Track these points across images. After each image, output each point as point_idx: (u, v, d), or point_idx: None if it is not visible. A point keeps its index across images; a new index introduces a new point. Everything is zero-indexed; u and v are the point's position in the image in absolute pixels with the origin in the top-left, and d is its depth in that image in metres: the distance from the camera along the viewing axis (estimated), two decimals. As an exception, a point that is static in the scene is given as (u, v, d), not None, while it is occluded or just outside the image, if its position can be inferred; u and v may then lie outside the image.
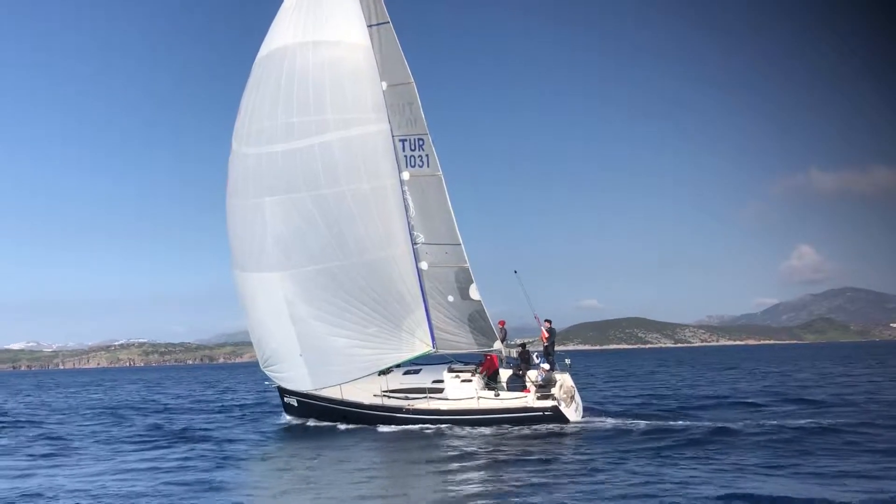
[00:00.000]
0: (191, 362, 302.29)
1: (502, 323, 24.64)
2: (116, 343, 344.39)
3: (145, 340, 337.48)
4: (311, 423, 24.87)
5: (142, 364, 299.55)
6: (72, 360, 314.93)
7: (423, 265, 22.96)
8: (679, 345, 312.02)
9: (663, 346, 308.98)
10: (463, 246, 23.10)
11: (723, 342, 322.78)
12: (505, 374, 23.99)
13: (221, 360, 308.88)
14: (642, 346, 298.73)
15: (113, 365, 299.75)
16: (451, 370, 23.51)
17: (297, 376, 23.48)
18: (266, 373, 24.91)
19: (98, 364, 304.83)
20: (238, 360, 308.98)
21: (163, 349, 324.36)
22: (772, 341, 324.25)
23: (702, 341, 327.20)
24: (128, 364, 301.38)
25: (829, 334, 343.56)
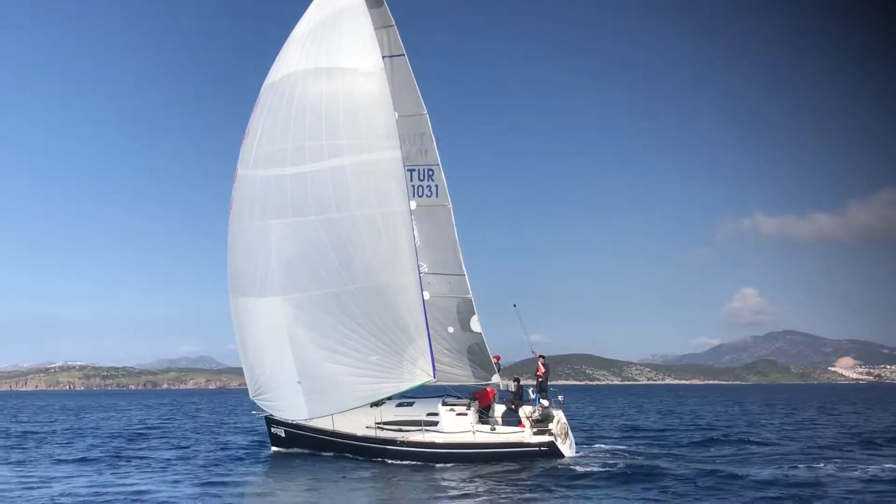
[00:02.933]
0: (133, 387, 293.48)
1: (497, 357, 24.65)
2: (55, 365, 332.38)
3: (84, 363, 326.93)
4: (301, 454, 24.42)
5: (82, 388, 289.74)
6: (8, 383, 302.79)
7: (426, 295, 22.91)
8: (626, 382, 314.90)
9: (610, 383, 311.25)
10: (467, 277, 23.17)
11: (668, 381, 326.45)
12: (498, 408, 23.96)
13: (165, 386, 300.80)
14: (590, 383, 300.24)
15: (52, 388, 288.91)
16: (445, 403, 23.37)
17: (292, 405, 23.02)
18: (256, 402, 24.42)
19: (36, 387, 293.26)
20: (182, 386, 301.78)
21: (105, 373, 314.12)
22: (716, 381, 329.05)
23: (648, 379, 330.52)
24: (68, 387, 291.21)
25: (772, 376, 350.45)
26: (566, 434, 23.36)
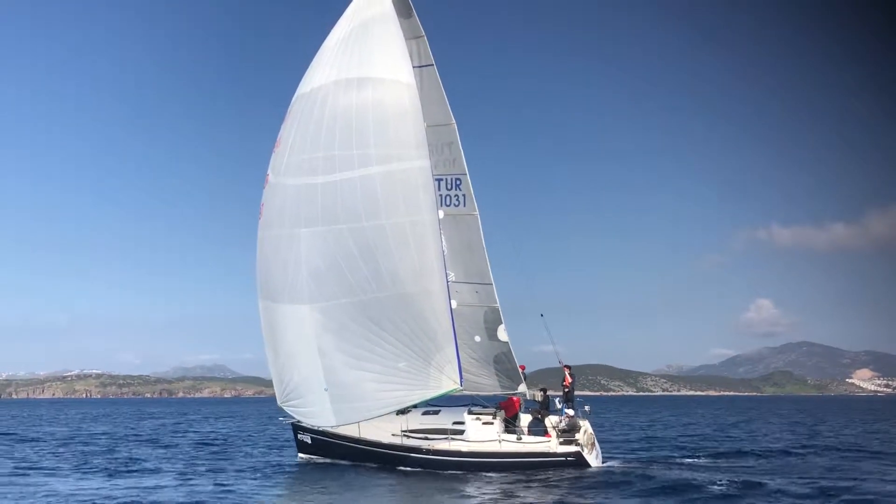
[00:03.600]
0: (149, 395, 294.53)
1: (522, 367, 24.66)
2: (71, 373, 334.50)
3: (100, 371, 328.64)
4: (327, 461, 24.54)
5: (98, 396, 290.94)
6: (25, 390, 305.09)
7: (453, 303, 22.95)
8: (641, 393, 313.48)
9: (625, 393, 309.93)
10: (494, 286, 23.23)
11: (684, 392, 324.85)
12: (524, 417, 23.96)
13: (181, 395, 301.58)
14: (604, 394, 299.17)
15: (69, 395, 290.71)
16: (471, 412, 23.39)
17: (320, 412, 23.11)
18: (284, 409, 24.52)
19: (53, 394, 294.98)
20: (198, 394, 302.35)
21: (121, 381, 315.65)
22: (732, 393, 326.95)
23: (663, 391, 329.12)
24: (84, 395, 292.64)
25: (788, 388, 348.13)
26: (592, 444, 23.31)
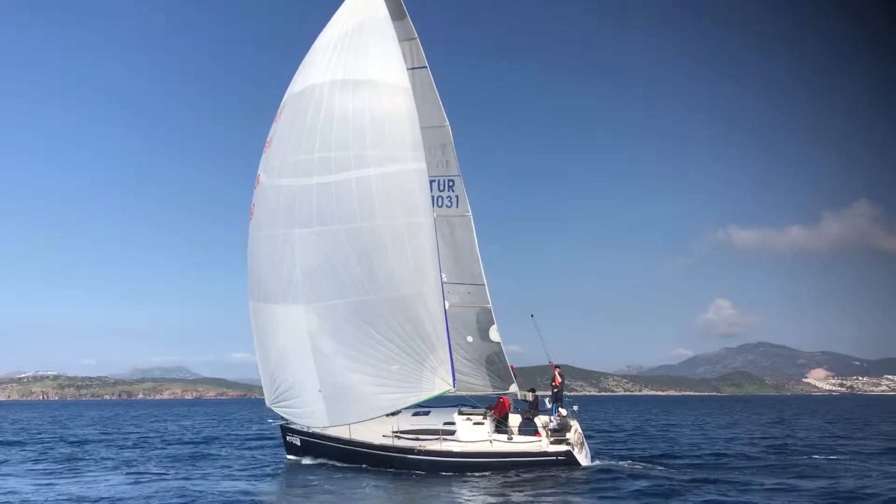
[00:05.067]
0: (108, 398, 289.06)
1: (511, 368, 24.88)
2: (26, 375, 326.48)
3: (57, 373, 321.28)
4: (316, 462, 24.49)
5: (56, 398, 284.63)
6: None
7: (445, 304, 23.08)
8: (603, 393, 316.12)
9: (588, 393, 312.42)
10: (487, 286, 23.40)
11: (645, 392, 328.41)
12: (513, 418, 24.17)
13: (141, 397, 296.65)
14: (567, 394, 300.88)
15: (25, 398, 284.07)
16: (461, 412, 23.52)
17: (312, 413, 23.06)
18: (274, 409, 24.42)
19: (9, 397, 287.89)
20: (158, 396, 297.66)
21: (79, 383, 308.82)
22: (692, 392, 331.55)
23: (625, 390, 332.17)
24: (41, 397, 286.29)
25: (746, 388, 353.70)
26: (582, 444, 23.62)
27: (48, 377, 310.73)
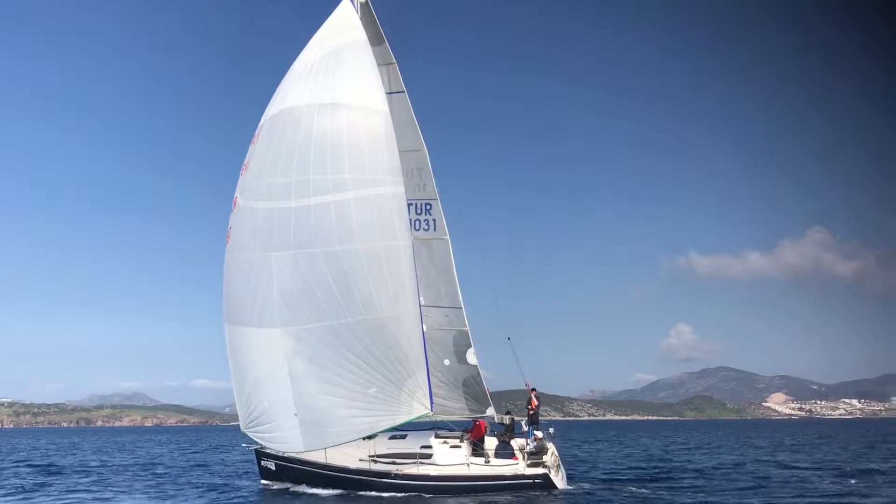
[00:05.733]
0: (66, 425, 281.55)
1: (486, 391, 24.91)
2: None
3: (12, 400, 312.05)
4: (291, 488, 24.20)
5: (11, 425, 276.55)
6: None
7: (423, 327, 23.09)
8: (568, 418, 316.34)
9: (553, 418, 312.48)
10: (464, 310, 23.48)
11: (609, 416, 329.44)
12: (489, 440, 24.19)
13: (99, 423, 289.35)
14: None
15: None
16: (437, 436, 23.48)
17: (288, 437, 22.81)
18: (249, 434, 24.14)
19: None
20: (117, 423, 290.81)
21: (35, 410, 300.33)
22: (654, 417, 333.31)
23: (589, 415, 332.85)
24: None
25: (708, 412, 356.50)
26: (558, 466, 23.68)
27: (3, 404, 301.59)
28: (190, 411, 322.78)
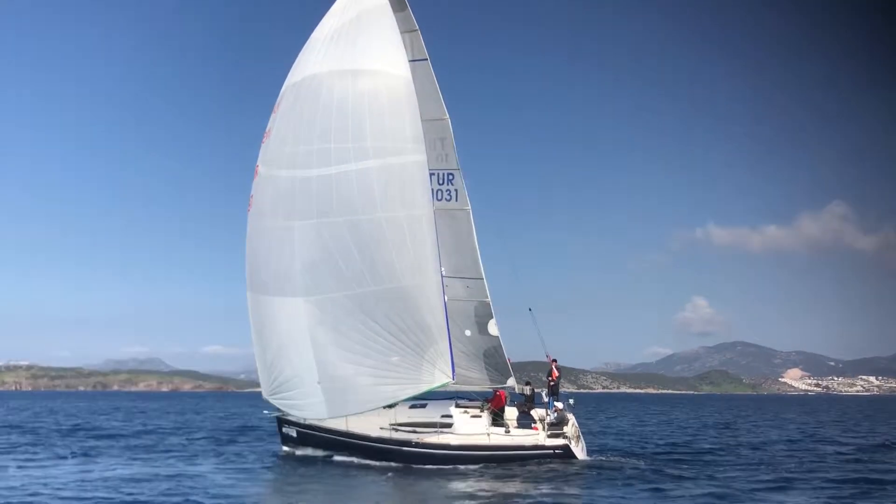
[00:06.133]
0: (82, 388, 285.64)
1: (508, 361, 24.90)
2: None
3: (30, 363, 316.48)
4: (312, 454, 24.42)
5: (29, 388, 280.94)
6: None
7: (444, 297, 23.03)
8: (582, 390, 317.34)
9: (566, 391, 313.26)
10: (485, 280, 23.41)
11: (623, 389, 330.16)
12: (510, 410, 24.22)
13: (116, 388, 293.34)
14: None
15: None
16: (458, 405, 23.54)
17: (311, 405, 23.00)
18: (271, 401, 24.35)
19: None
20: (133, 388, 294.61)
21: (53, 373, 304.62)
22: (669, 391, 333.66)
23: (603, 388, 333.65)
24: (14, 388, 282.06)
25: (724, 387, 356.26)
26: (578, 437, 23.72)
27: (21, 367, 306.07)
28: (205, 377, 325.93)
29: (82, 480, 19.32)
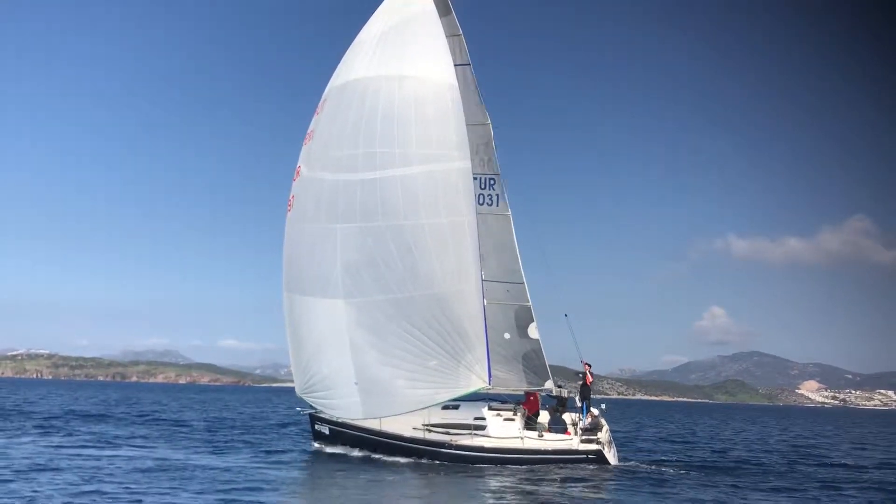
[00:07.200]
0: (101, 378, 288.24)
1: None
2: (19, 352, 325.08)
3: (50, 352, 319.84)
4: (344, 451, 24.66)
5: (50, 377, 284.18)
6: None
7: (484, 302, 23.18)
8: (596, 396, 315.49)
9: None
10: (526, 285, 23.56)
11: (638, 396, 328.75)
12: (542, 414, 24.38)
13: (135, 379, 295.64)
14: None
15: (19, 375, 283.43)
16: (490, 408, 23.68)
17: (346, 405, 23.16)
18: (305, 399, 24.55)
19: (2, 374, 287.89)
20: (152, 379, 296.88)
21: (73, 363, 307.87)
22: (685, 399, 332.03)
23: (618, 394, 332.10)
24: (35, 376, 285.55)
25: (739, 396, 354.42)
26: (610, 443, 23.84)
27: (42, 356, 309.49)
28: (223, 371, 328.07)
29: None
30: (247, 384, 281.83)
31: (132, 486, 17.27)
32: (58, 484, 17.06)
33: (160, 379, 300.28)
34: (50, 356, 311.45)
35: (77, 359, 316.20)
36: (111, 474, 18.77)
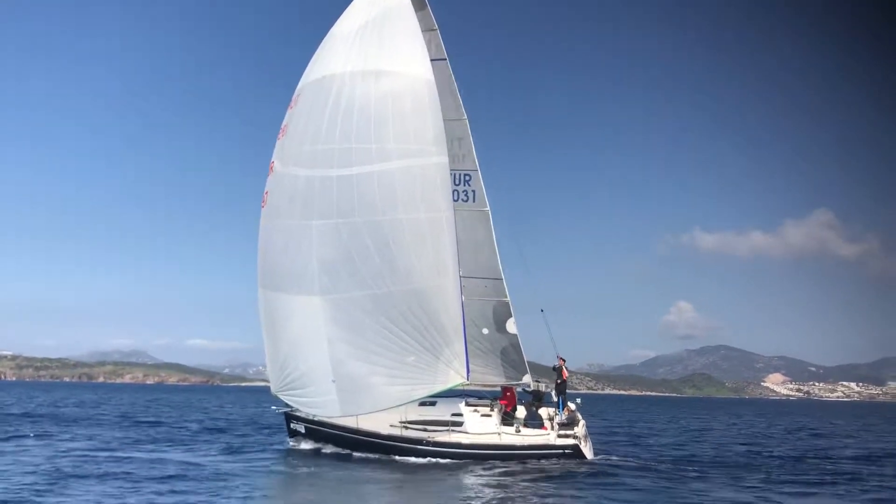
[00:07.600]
0: (67, 379, 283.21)
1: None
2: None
3: (14, 353, 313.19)
4: (318, 448, 24.50)
5: (13, 378, 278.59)
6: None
7: (462, 297, 23.14)
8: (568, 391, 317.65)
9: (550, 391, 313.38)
10: (504, 280, 23.54)
11: (608, 391, 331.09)
12: (518, 409, 24.41)
13: (101, 380, 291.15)
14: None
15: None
16: (468, 403, 23.66)
17: (324, 402, 22.96)
18: (281, 397, 24.31)
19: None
20: (119, 380, 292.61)
21: (38, 364, 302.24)
22: (653, 393, 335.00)
23: (588, 389, 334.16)
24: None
25: (706, 390, 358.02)
26: (586, 437, 23.93)
27: (6, 357, 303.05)
28: (191, 371, 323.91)
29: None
30: (216, 384, 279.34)
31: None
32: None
33: (127, 379, 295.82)
34: (14, 357, 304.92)
35: (42, 360, 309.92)
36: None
